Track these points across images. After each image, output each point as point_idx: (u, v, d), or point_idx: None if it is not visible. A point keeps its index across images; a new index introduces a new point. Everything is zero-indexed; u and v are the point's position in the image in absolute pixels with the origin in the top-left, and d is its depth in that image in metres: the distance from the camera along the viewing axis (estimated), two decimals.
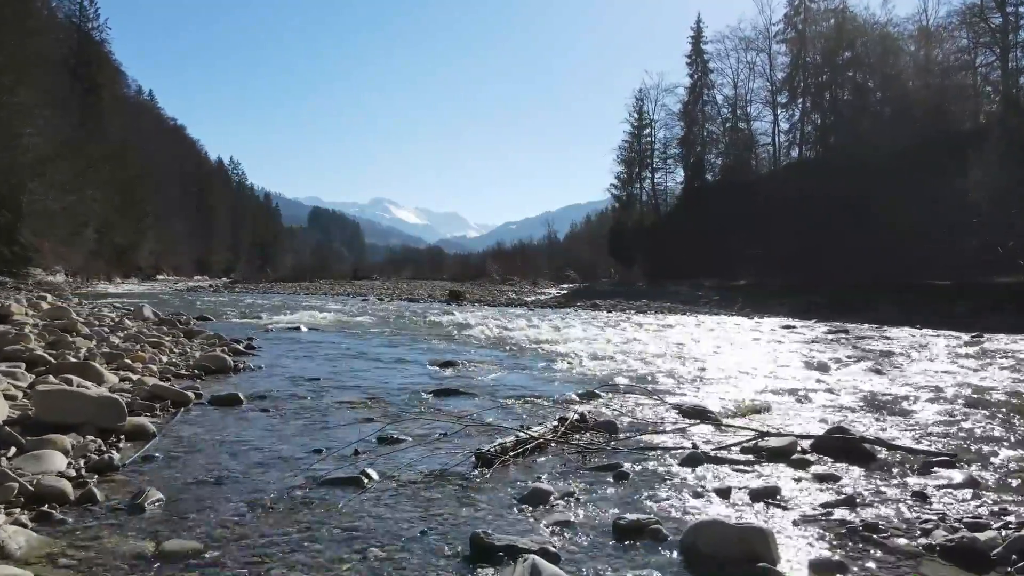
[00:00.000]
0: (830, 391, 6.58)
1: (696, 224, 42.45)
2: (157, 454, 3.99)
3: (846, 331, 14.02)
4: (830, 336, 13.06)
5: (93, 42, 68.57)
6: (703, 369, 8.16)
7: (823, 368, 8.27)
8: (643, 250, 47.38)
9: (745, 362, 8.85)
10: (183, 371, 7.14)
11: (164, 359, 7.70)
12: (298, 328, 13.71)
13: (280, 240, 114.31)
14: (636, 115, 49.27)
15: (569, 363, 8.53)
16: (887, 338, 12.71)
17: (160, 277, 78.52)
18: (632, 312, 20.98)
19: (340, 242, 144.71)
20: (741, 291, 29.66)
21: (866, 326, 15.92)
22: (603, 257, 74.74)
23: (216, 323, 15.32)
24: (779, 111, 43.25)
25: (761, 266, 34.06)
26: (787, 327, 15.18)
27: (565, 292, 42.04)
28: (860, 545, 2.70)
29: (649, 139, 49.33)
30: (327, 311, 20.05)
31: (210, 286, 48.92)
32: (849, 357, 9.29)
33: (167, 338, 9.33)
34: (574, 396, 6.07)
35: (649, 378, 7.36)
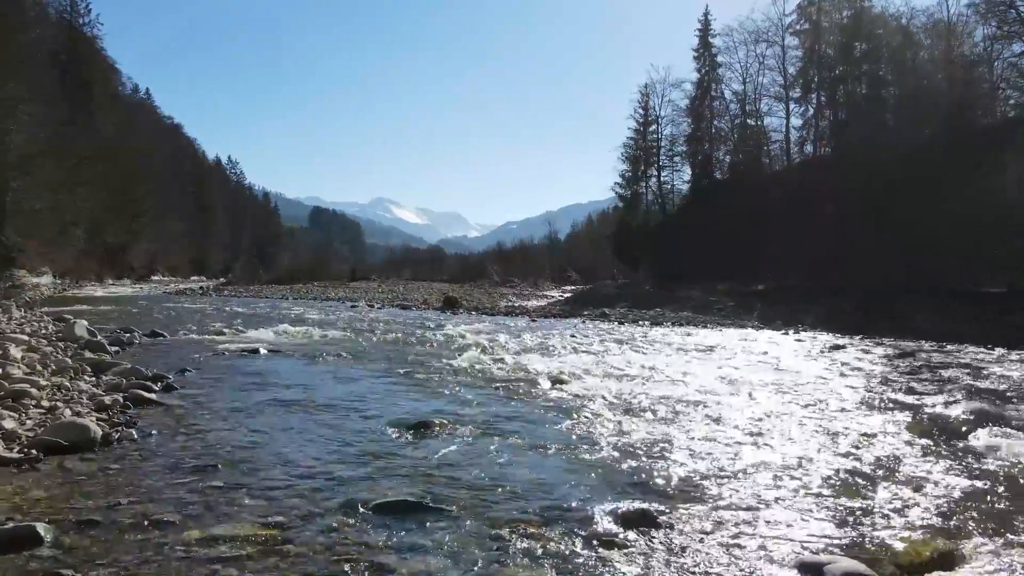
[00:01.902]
0: None
1: (705, 224, 39.91)
2: None
3: (911, 354, 11.52)
4: (901, 361, 10.56)
5: (84, 38, 66.21)
6: (790, 439, 5.66)
7: (966, 434, 5.72)
8: (649, 251, 44.81)
9: (838, 421, 6.34)
10: (14, 452, 4.69)
11: (8, 425, 5.21)
12: (256, 351, 11.24)
13: (279, 240, 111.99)
14: (641, 111, 46.66)
15: (592, 424, 6.04)
16: (978, 367, 10.18)
17: (155, 278, 76.26)
18: (647, 323, 18.48)
19: (340, 242, 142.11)
20: (759, 297, 27.12)
21: (926, 344, 13.42)
22: (605, 258, 72.33)
23: (167, 340, 12.94)
24: (791, 106, 40.66)
25: (777, 269, 31.52)
26: (836, 347, 12.66)
27: (568, 295, 39.52)
28: None
29: (655, 136, 46.75)
30: (305, 322, 17.58)
31: (200, 289, 46.47)
32: (975, 409, 6.69)
33: (44, 380, 6.81)
34: (614, 527, 3.54)
35: (720, 465, 4.86)
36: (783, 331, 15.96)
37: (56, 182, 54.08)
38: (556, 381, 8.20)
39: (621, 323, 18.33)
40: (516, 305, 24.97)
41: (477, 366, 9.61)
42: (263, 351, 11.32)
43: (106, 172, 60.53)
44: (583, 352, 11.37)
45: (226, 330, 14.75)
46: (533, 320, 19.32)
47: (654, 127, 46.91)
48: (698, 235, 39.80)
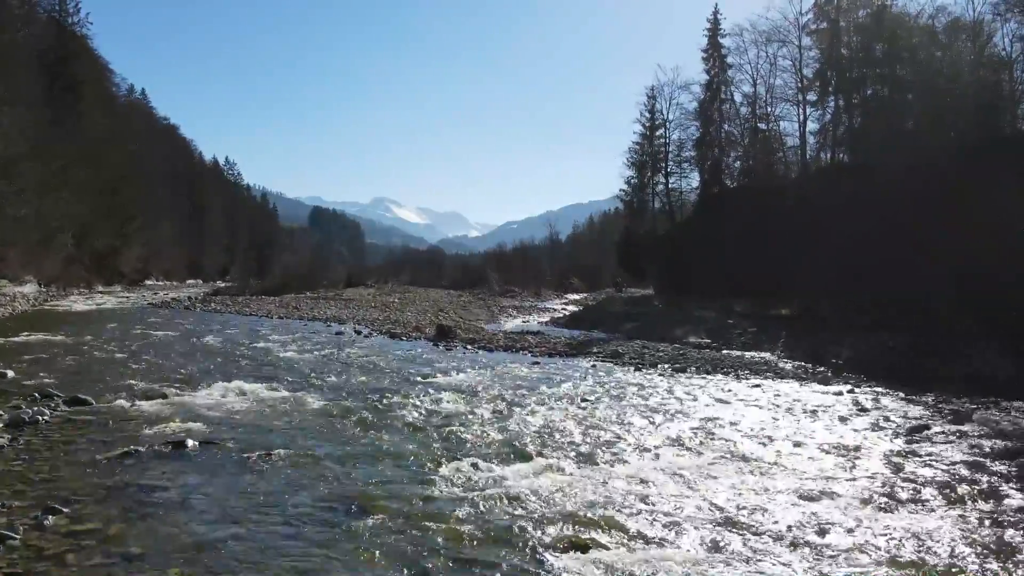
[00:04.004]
0: None
1: (715, 235, 37.18)
2: None
3: None
4: None
5: (74, 38, 63.48)
6: None
7: None
8: (656, 262, 42.10)
9: None
10: None
11: None
12: (183, 443, 8.56)
13: (277, 241, 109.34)
14: (648, 114, 43.86)
15: None
16: None
17: (149, 282, 73.76)
18: (667, 368, 15.75)
19: (340, 242, 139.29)
20: (782, 323, 24.42)
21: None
22: (609, 262, 69.61)
23: (86, 413, 10.33)
24: (808, 109, 37.88)
25: (799, 288, 28.74)
26: (918, 429, 9.92)
27: (573, 310, 36.86)
28: None
29: (662, 140, 43.96)
30: (273, 368, 14.92)
31: (188, 298, 43.89)
32: None
33: None
34: None
35: None
36: (835, 388, 13.21)
37: (41, 186, 51.49)
38: (575, 547, 5.49)
39: (638, 368, 15.61)
40: (517, 335, 22.28)
41: (457, 491, 6.89)
42: (191, 443, 8.62)
43: (95, 175, 57.96)
44: (600, 445, 8.68)
45: (169, 390, 12.06)
46: (536, 360, 16.65)
47: (661, 131, 44.17)
48: (708, 246, 37.12)
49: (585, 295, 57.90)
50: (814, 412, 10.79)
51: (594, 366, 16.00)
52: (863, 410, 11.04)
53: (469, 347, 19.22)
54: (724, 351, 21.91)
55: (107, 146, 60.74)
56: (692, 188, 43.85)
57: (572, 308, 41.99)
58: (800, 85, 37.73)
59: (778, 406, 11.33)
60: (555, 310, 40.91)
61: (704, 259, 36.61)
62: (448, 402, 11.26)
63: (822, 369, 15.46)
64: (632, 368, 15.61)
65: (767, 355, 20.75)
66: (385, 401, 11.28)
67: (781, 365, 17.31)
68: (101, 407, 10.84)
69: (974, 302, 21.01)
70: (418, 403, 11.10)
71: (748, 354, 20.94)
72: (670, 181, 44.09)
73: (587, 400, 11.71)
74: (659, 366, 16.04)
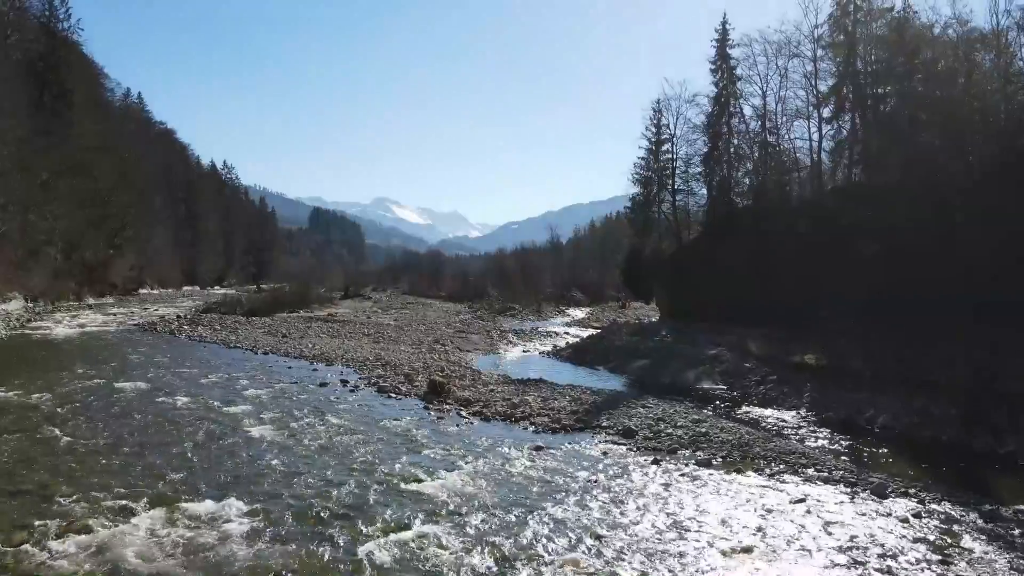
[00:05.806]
0: None
1: (723, 257, 34.87)
2: None
3: None
4: None
5: (65, 44, 61.20)
6: None
7: None
8: (662, 283, 39.74)
9: None
10: None
11: None
12: None
13: (276, 244, 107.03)
14: (654, 128, 41.41)
15: None
16: None
17: (143, 291, 71.69)
18: (689, 460, 13.44)
19: (340, 243, 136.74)
20: (806, 374, 22.12)
21: None
22: (611, 273, 67.36)
23: None
24: (823, 126, 35.50)
25: (816, 320, 26.41)
26: None
27: (577, 340, 34.57)
28: None
29: (669, 156, 41.53)
30: (230, 460, 12.64)
31: (176, 317, 41.70)
32: None
33: None
34: None
35: None
36: (898, 508, 10.84)
37: (27, 200, 49.30)
38: None
39: (656, 460, 13.26)
40: (517, 389, 20.03)
41: None
42: None
43: (85, 184, 55.77)
44: None
45: (95, 520, 9.79)
46: (538, 443, 14.38)
47: (667, 146, 41.76)
48: (716, 269, 34.80)
49: (588, 310, 55.82)
50: (884, 570, 8.49)
51: (605, 453, 13.75)
52: (944, 562, 8.75)
53: (464, 412, 17.03)
54: (744, 407, 19.82)
55: (98, 154, 58.53)
56: (700, 205, 41.46)
57: (575, 331, 39.81)
58: (816, 100, 35.35)
59: (836, 552, 9.05)
60: (557, 334, 38.72)
61: (712, 283, 34.31)
62: (424, 542, 9.02)
63: (875, 479, 12.95)
64: (649, 459, 13.32)
65: (791, 416, 18.58)
66: (345, 544, 9.00)
67: (816, 445, 15.05)
68: (4, 553, 8.68)
69: (1007, 346, 18.72)
70: (385, 548, 8.83)
71: (771, 414, 18.79)
72: (677, 198, 41.73)
73: (600, 535, 9.48)
74: (679, 453, 13.81)
